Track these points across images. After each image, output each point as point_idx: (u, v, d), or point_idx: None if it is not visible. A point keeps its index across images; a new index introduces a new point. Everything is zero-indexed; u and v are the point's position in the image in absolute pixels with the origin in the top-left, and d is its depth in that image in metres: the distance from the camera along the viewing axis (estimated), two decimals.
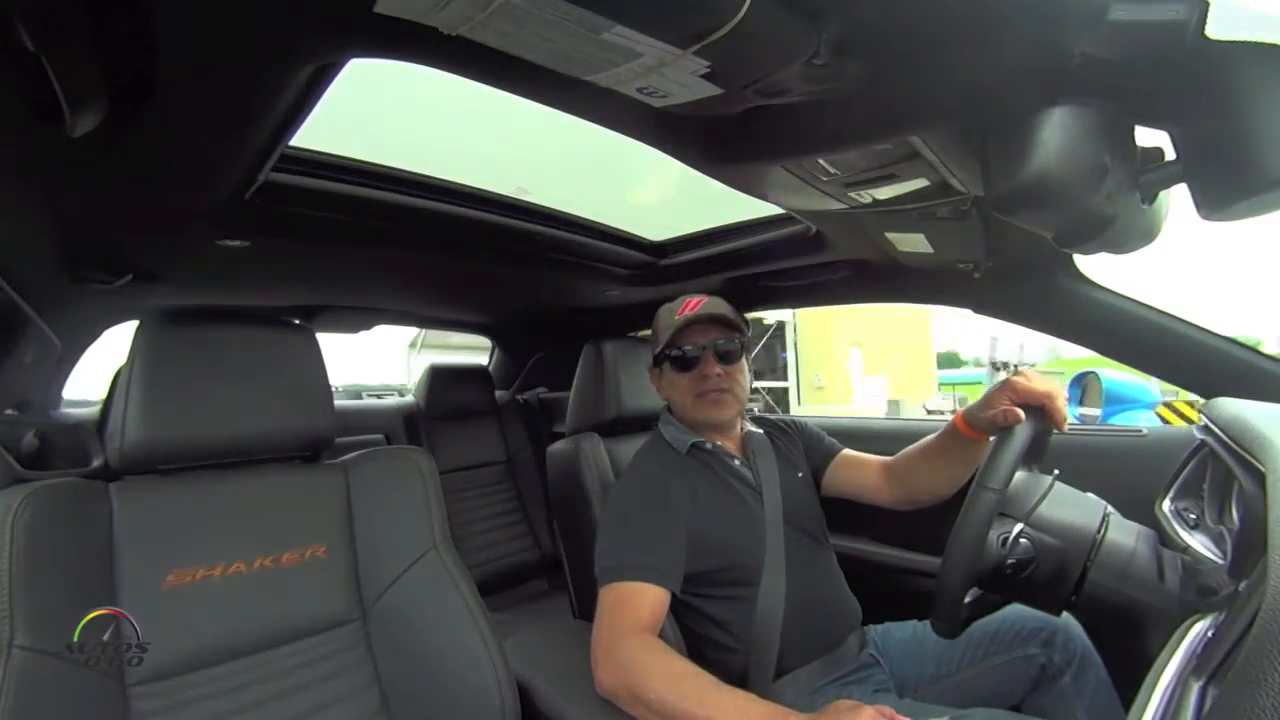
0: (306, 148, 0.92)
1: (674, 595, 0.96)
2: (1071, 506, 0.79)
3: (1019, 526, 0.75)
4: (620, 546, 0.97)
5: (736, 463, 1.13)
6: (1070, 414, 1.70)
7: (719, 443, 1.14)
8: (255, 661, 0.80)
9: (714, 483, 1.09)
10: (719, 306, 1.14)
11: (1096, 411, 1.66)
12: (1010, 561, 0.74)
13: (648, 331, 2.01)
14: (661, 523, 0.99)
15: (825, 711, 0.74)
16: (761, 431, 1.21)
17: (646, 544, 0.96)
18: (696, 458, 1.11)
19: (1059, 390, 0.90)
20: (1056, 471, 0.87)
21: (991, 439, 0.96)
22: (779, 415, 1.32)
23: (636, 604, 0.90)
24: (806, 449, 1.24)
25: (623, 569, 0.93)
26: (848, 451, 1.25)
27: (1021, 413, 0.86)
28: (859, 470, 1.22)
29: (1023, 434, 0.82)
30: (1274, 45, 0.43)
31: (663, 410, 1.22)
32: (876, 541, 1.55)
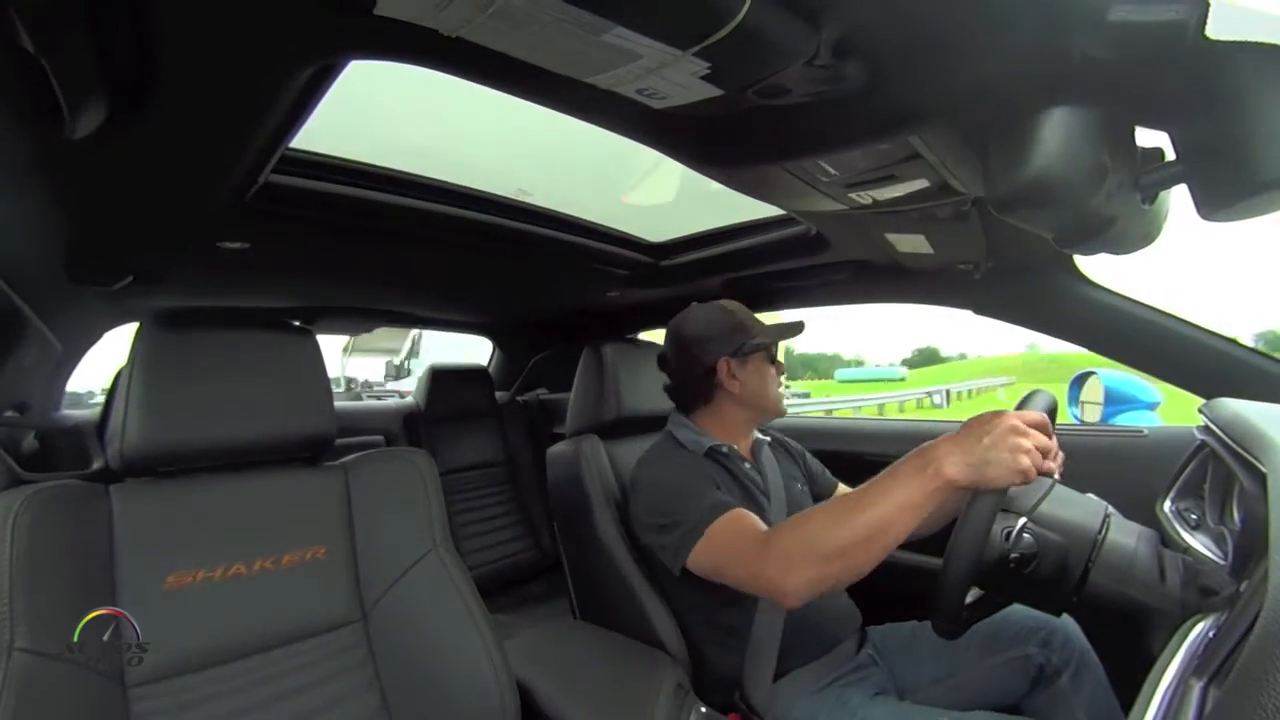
0: (307, 149, 0.92)
1: (675, 592, 0.96)
2: (1073, 506, 0.78)
3: (1022, 520, 0.75)
4: (694, 500, 0.97)
5: (748, 466, 1.14)
6: (1070, 414, 1.70)
7: (734, 446, 1.15)
8: (256, 663, 0.80)
9: (731, 483, 1.09)
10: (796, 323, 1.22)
11: (1096, 415, 1.65)
12: (1014, 555, 0.74)
13: (648, 333, 2.02)
14: (709, 480, 1.03)
15: (967, 423, 0.76)
16: (768, 440, 1.22)
17: (711, 492, 0.99)
18: (713, 458, 1.11)
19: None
20: (1056, 476, 0.87)
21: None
22: (778, 432, 1.33)
23: (746, 523, 0.91)
24: (808, 476, 1.27)
25: (712, 510, 0.94)
26: (844, 489, 1.28)
27: None
28: None
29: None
30: (1274, 46, 0.43)
31: (672, 413, 1.22)
32: None
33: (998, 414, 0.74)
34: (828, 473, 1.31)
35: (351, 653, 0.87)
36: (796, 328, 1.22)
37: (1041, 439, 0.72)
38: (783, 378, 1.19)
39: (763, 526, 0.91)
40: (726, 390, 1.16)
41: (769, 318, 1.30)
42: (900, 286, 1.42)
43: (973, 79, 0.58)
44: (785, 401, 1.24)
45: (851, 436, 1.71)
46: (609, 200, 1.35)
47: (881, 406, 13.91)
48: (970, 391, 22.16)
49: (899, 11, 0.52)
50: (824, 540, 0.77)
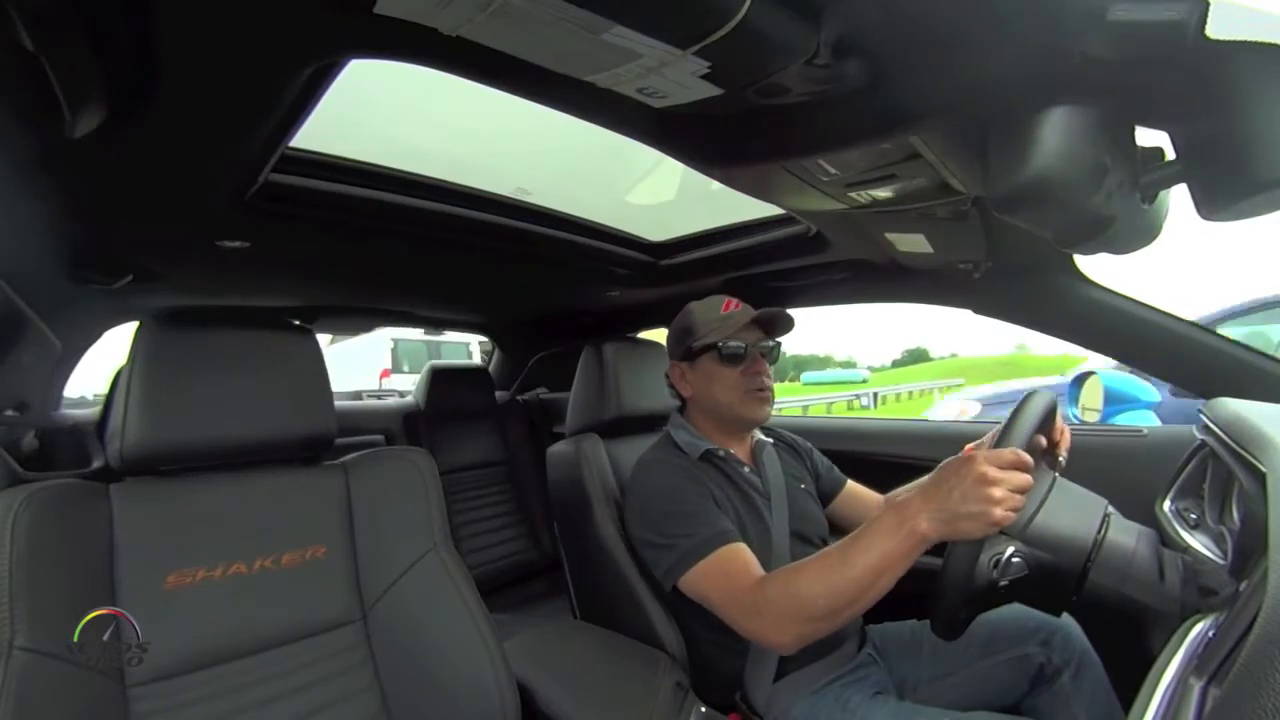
0: (307, 148, 0.92)
1: (675, 593, 0.97)
2: (1070, 512, 0.77)
3: (1010, 549, 0.74)
4: (689, 527, 0.97)
5: (746, 470, 1.13)
6: (1070, 414, 1.70)
7: (731, 450, 1.14)
8: (255, 662, 0.80)
9: (728, 487, 1.09)
10: (772, 313, 1.14)
11: (1096, 413, 1.66)
12: (1003, 584, 0.75)
13: (647, 332, 2.02)
14: (707, 499, 1.02)
15: (940, 471, 0.77)
16: (771, 441, 1.21)
17: (710, 515, 0.98)
18: (710, 462, 1.11)
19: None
20: (1062, 460, 0.86)
21: None
22: (790, 432, 1.32)
23: (739, 564, 0.92)
24: (815, 474, 1.26)
25: (707, 543, 0.94)
26: (852, 485, 1.28)
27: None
28: (861, 510, 1.25)
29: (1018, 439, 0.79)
30: (1274, 45, 0.43)
31: (673, 413, 1.21)
32: None
33: (968, 461, 0.73)
34: (836, 470, 1.30)
35: (351, 652, 0.87)
36: (741, 318, 1.11)
37: (1017, 479, 0.72)
38: (763, 378, 1.12)
39: (756, 567, 0.91)
40: (685, 395, 1.18)
41: None
42: (900, 286, 1.42)
43: (973, 78, 0.58)
44: None
45: (857, 436, 1.71)
46: (609, 199, 1.35)
47: (806, 408, 13.65)
48: (910, 393, 22.05)
49: (899, 11, 0.52)
50: (812, 602, 0.80)
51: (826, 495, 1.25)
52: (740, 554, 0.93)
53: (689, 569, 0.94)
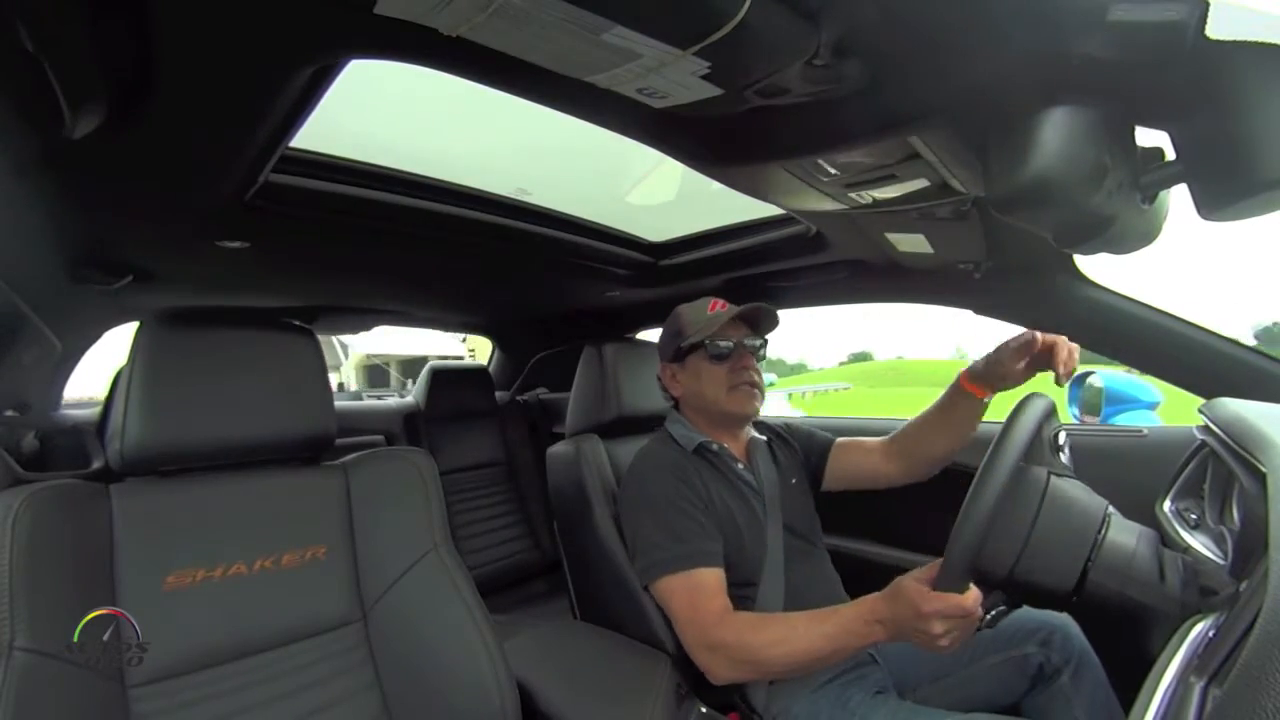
0: (306, 149, 0.92)
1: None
2: (1058, 547, 0.73)
3: (989, 616, 0.76)
4: (668, 539, 0.99)
5: (740, 466, 1.14)
6: (1070, 414, 1.70)
7: (725, 445, 1.14)
8: (256, 663, 0.80)
9: (720, 482, 1.10)
10: (754, 308, 1.15)
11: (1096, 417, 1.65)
12: (985, 627, 0.77)
13: (647, 333, 2.02)
14: (696, 506, 1.03)
15: (898, 595, 0.80)
16: (764, 439, 1.22)
17: (692, 531, 1.00)
18: (703, 456, 1.12)
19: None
20: (1064, 438, 0.83)
21: (987, 400, 1.06)
22: (775, 422, 1.32)
23: (708, 592, 0.95)
24: (804, 451, 1.26)
25: (682, 559, 0.97)
26: (842, 439, 1.27)
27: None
28: (859, 455, 1.24)
29: (984, 502, 0.72)
30: (1274, 45, 0.43)
31: (669, 410, 1.23)
32: (875, 541, 1.55)
33: (916, 614, 0.76)
34: (818, 432, 1.29)
35: (352, 653, 0.87)
36: (726, 316, 1.11)
37: (965, 623, 0.75)
38: (750, 373, 1.13)
39: (723, 598, 0.95)
40: (675, 395, 1.20)
41: None
42: (900, 286, 1.42)
43: (973, 79, 0.58)
44: None
45: (857, 435, 1.70)
46: (609, 200, 1.35)
47: None
48: (804, 394, 23.48)
49: (899, 12, 0.52)
50: (763, 656, 0.88)
51: (817, 467, 1.24)
52: (712, 580, 0.96)
53: (660, 578, 0.98)
